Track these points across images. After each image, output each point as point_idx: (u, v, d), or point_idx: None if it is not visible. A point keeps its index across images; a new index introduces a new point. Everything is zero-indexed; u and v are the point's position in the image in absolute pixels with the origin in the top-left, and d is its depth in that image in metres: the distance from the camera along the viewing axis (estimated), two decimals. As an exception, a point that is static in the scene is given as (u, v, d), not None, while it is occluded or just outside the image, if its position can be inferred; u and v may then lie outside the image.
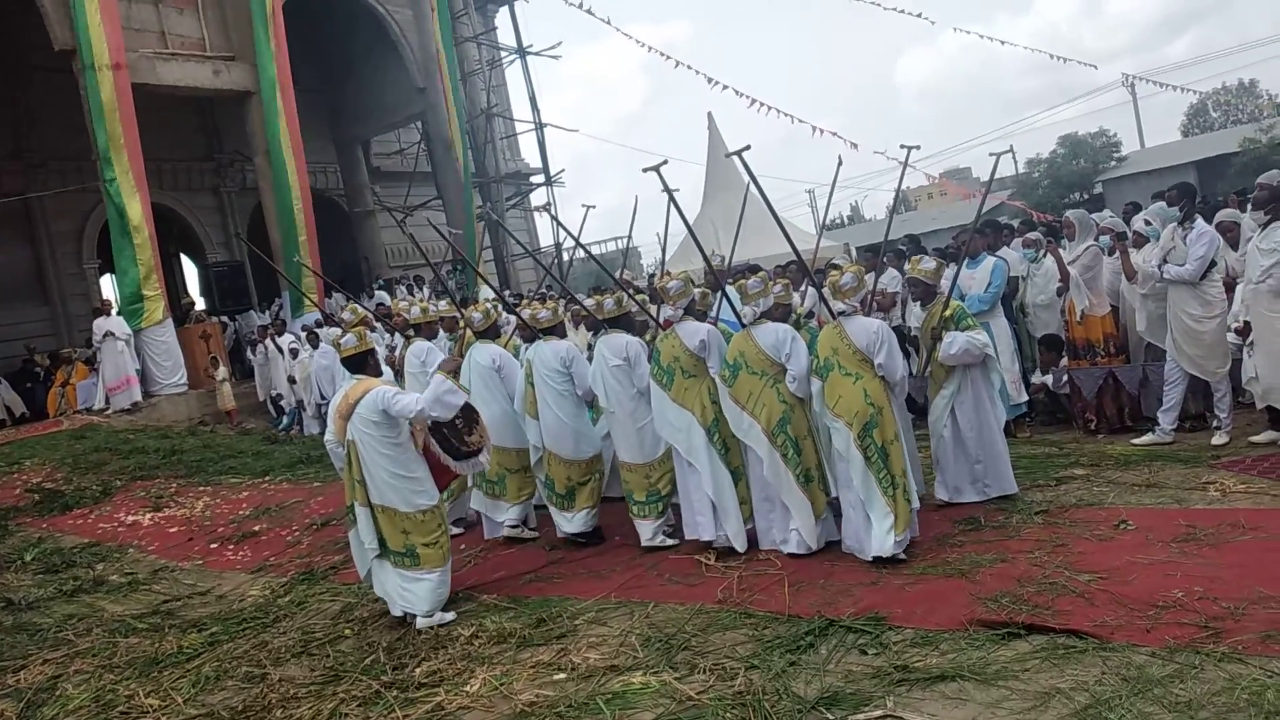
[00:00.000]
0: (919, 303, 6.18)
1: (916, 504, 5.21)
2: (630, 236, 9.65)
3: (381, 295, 18.45)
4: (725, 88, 20.59)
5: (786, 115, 20.24)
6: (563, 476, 6.27)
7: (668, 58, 21.13)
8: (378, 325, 9.83)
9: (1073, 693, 3.28)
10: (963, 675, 3.52)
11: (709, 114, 18.22)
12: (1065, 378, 7.97)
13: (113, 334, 14.07)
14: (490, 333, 6.89)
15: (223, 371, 15.06)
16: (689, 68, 20.94)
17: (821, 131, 19.57)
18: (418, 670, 4.49)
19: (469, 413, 5.40)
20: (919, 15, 21.32)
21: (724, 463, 5.58)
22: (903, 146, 6.42)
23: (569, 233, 7.47)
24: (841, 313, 5.32)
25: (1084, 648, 3.62)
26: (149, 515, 8.84)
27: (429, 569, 5.14)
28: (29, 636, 5.98)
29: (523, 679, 4.17)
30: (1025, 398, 8.01)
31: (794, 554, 5.31)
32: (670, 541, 5.93)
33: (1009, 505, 5.67)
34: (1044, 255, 8.31)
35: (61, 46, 14.37)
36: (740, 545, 5.51)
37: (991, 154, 6.65)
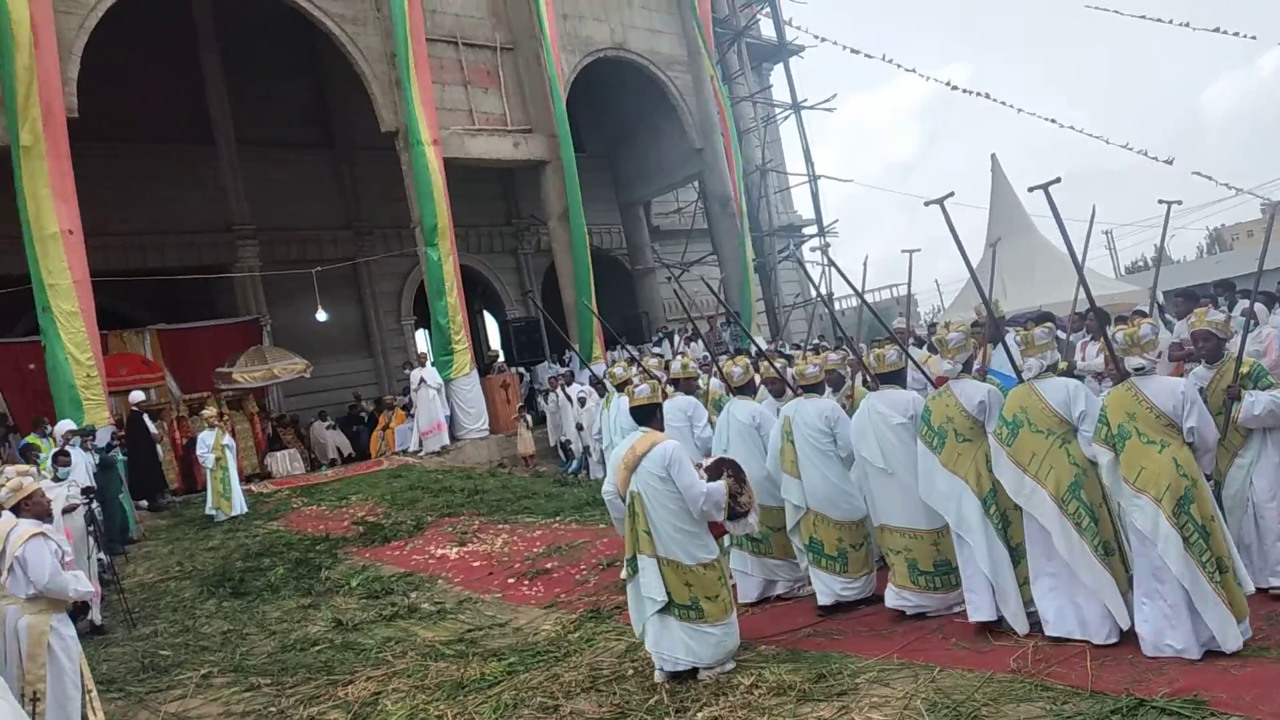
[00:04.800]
0: (1203, 360, 5.37)
1: (1250, 588, 4.53)
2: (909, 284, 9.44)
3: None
4: (1021, 111, 19.81)
5: (1097, 138, 18.98)
6: (833, 538, 5.98)
7: (960, 89, 20.40)
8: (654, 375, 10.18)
9: None
10: (1305, 774, 3.12)
11: (992, 155, 17.57)
12: None
13: (426, 383, 15.60)
14: (748, 389, 6.84)
15: (527, 419, 16.27)
16: (990, 98, 20.19)
17: (1148, 156, 18.30)
18: (699, 715, 4.56)
19: (739, 471, 5.36)
20: (1236, 33, 19.37)
21: (1002, 538, 5.09)
22: (1161, 201, 5.59)
23: (846, 279, 7.32)
24: (1139, 369, 4.68)
25: None
26: (455, 549, 9.54)
27: (713, 623, 5.08)
28: (355, 654, 6.64)
29: (804, 733, 4.15)
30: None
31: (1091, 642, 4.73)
32: (959, 608, 5.51)
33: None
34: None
35: (387, 129, 16.28)
36: (1021, 628, 5.01)
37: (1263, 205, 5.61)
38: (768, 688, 4.75)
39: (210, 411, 13.66)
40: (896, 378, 5.94)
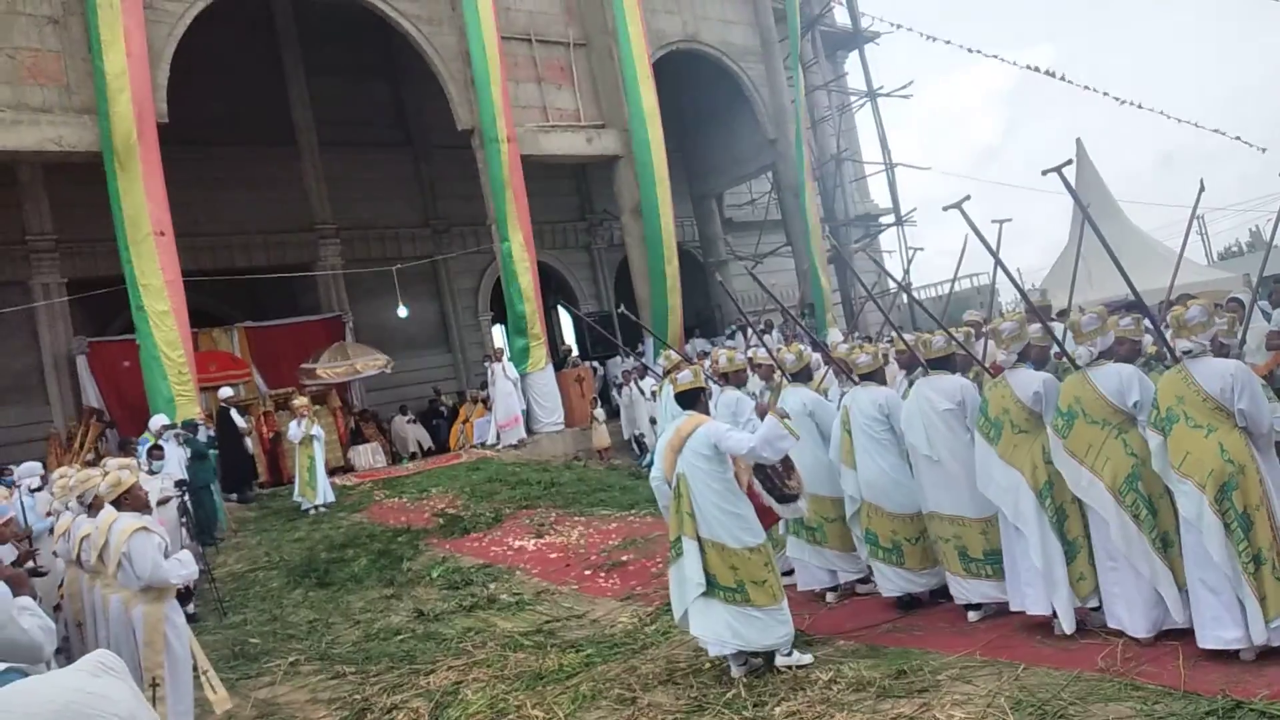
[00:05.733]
0: None
1: None
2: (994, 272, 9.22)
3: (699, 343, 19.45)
4: (1106, 95, 19.26)
5: (1186, 122, 18.47)
6: (887, 531, 5.92)
7: (1042, 70, 19.74)
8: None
9: None
10: None
11: (1077, 140, 17.08)
12: None
13: (504, 377, 15.79)
14: (803, 376, 6.77)
15: (601, 413, 16.37)
16: (1070, 81, 19.50)
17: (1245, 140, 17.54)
18: (777, 710, 4.53)
19: (786, 457, 5.34)
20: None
21: (1056, 532, 5.00)
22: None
23: (887, 273, 7.24)
24: (1187, 352, 4.55)
25: None
26: (533, 541, 9.64)
27: (759, 607, 5.06)
28: (436, 644, 6.75)
29: (884, 730, 4.09)
30: None
31: (1140, 638, 4.64)
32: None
33: None
34: None
35: (463, 127, 16.51)
36: (1068, 626, 4.92)
37: None
38: (846, 683, 4.72)
39: (301, 401, 14.07)
40: (946, 363, 5.85)
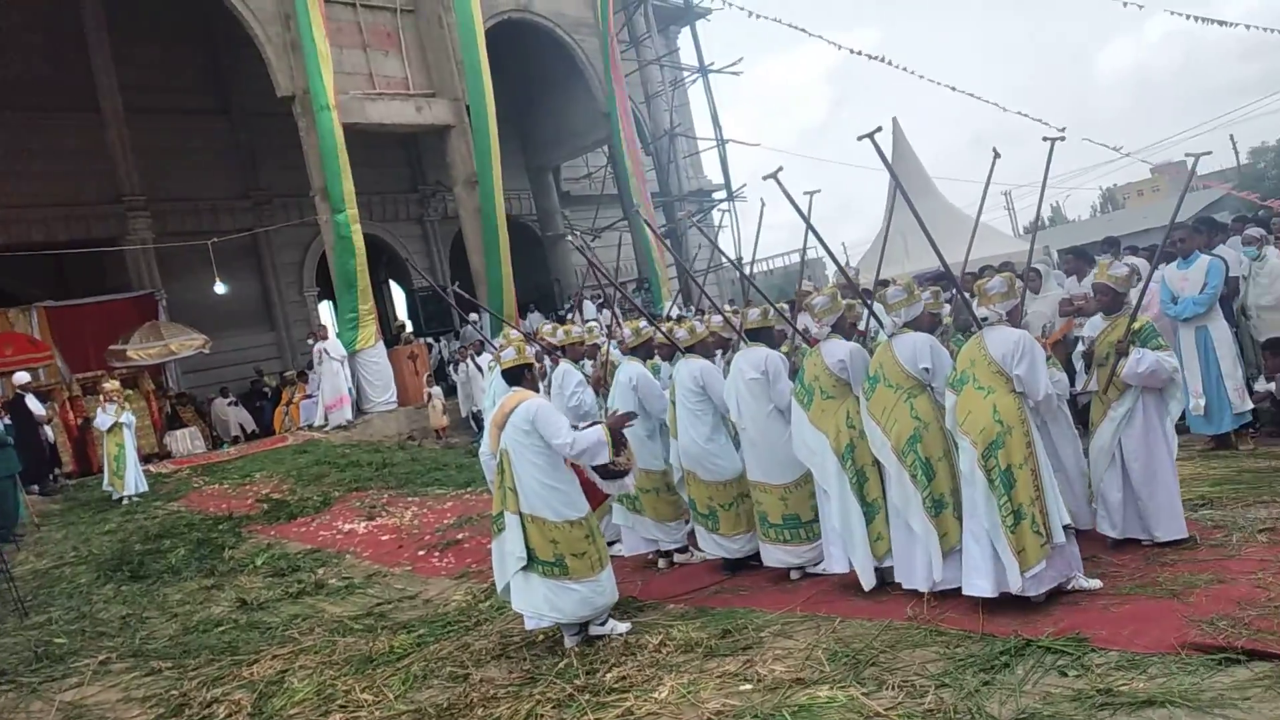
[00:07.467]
0: (1101, 312, 5.55)
1: (1060, 539, 4.56)
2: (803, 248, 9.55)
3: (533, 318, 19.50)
4: (922, 78, 20.24)
5: (994, 104, 19.74)
6: (703, 497, 6.11)
7: (863, 54, 20.47)
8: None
9: (1301, 725, 3.02)
10: (1173, 701, 3.30)
11: (893, 119, 17.79)
12: (1296, 385, 7.28)
13: (329, 356, 15.25)
14: (642, 350, 6.86)
15: (437, 391, 16.06)
16: (890, 63, 20.26)
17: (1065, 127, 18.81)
18: (608, 676, 4.60)
19: (619, 434, 5.37)
20: (1125, 3, 19.88)
21: (856, 493, 5.26)
22: (1046, 139, 5.75)
23: (719, 250, 7.42)
24: (984, 320, 4.91)
25: (1315, 678, 3.32)
26: (363, 524, 9.41)
27: (577, 579, 5.09)
28: (260, 634, 6.51)
29: (710, 688, 4.21)
30: (1249, 406, 7.40)
31: (915, 589, 4.94)
32: (816, 570, 5.66)
33: (1229, 522, 5.24)
34: (1265, 252, 7.67)
35: (283, 93, 15.74)
36: (866, 582, 5.19)
37: (1188, 154, 5.53)
38: (675, 645, 4.83)
39: (110, 386, 13.17)
40: (762, 335, 6.07)
